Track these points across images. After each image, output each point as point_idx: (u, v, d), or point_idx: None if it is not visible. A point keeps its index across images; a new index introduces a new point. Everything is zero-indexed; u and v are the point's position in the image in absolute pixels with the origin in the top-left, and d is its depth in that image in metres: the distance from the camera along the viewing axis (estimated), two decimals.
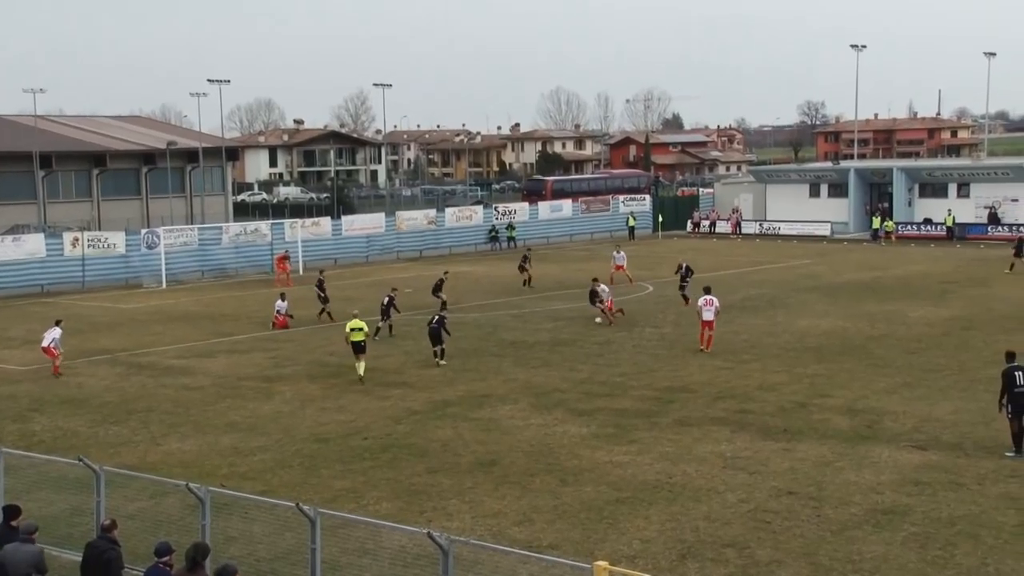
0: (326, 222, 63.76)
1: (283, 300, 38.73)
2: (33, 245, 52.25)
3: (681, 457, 21.20)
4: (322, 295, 40.28)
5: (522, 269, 48.72)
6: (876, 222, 70.27)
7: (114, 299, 47.81)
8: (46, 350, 31.19)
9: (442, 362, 31.20)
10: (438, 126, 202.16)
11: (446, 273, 43.20)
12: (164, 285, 51.61)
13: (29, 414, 25.90)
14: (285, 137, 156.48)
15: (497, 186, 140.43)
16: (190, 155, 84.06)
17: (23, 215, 72.82)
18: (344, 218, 66.37)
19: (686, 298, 41.11)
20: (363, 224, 65.07)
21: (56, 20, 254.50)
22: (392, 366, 31.04)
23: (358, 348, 29.21)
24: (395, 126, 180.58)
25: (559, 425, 23.84)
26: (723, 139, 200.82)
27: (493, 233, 68.65)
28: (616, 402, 25.95)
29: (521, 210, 73.30)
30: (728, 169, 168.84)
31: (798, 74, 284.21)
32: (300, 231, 59.07)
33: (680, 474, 20.12)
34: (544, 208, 74.85)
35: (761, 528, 17.20)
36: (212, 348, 34.45)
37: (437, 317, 32.69)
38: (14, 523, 13.68)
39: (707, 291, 33.85)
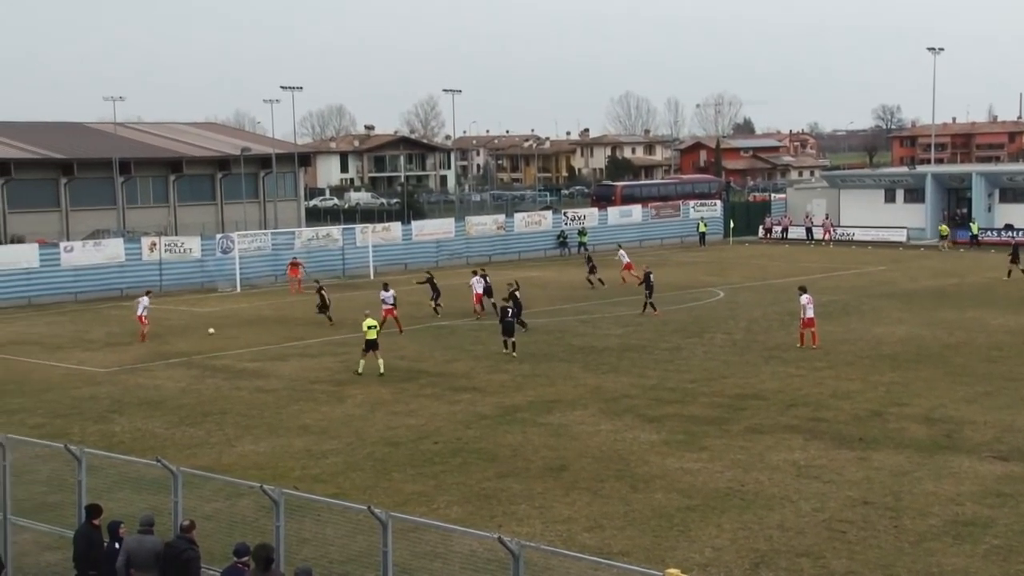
0: (396, 227, 64.25)
1: (387, 290, 38.73)
2: (113, 250, 53.35)
3: (753, 465, 20.97)
4: (321, 302, 40.56)
5: (592, 270, 49.56)
6: (944, 229, 68.94)
7: (190, 303, 48.63)
8: (140, 319, 37.37)
9: (513, 354, 32.09)
10: (507, 132, 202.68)
11: (509, 284, 41.81)
12: (238, 289, 52.35)
13: (109, 415, 26.42)
14: (356, 143, 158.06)
15: (566, 191, 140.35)
16: (263, 161, 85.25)
17: (103, 220, 74.45)
18: (414, 223, 66.86)
19: (653, 306, 40.79)
20: (433, 229, 65.45)
21: (135, 30, 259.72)
22: (461, 370, 31.14)
23: (371, 345, 30.62)
24: (464, 132, 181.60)
25: (629, 431, 23.73)
26: (795, 144, 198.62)
27: (562, 238, 68.60)
28: (686, 408, 25.76)
29: (590, 215, 73.18)
30: (800, 174, 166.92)
31: (873, 78, 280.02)
32: (371, 236, 59.56)
33: (752, 482, 19.90)
34: (614, 213, 74.64)
35: (836, 538, 16.95)
36: (284, 352, 34.86)
37: (513, 310, 33.60)
38: (96, 522, 13.95)
39: (803, 290, 34.48)
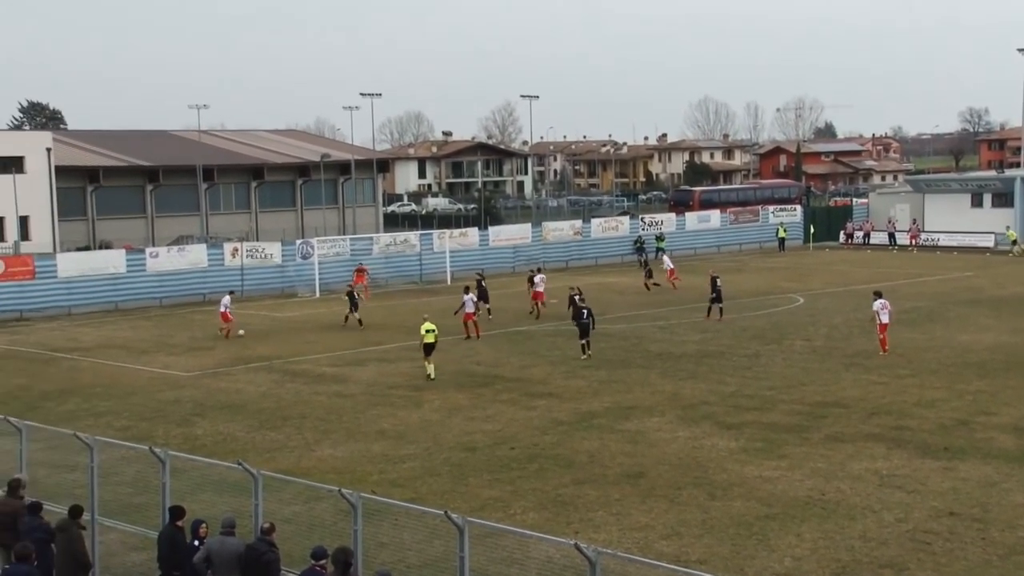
0: (473, 232, 64.48)
1: (468, 293, 39.15)
2: (196, 255, 54.33)
3: (834, 474, 20.64)
4: (353, 303, 41.95)
5: (649, 274, 51.45)
6: (1012, 235, 67.16)
7: (270, 307, 49.33)
8: (223, 315, 39.79)
9: (588, 352, 33.02)
10: (584, 137, 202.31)
11: (571, 289, 41.76)
12: (317, 294, 52.96)
13: (192, 418, 26.90)
14: (434, 149, 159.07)
15: (643, 197, 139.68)
16: (343, 167, 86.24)
17: (187, 226, 75.96)
18: (491, 228, 67.02)
19: (720, 312, 41.14)
20: (510, 235, 65.58)
21: (219, 40, 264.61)
22: (538, 376, 31.13)
23: (429, 349, 31.00)
24: (541, 137, 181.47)
25: (707, 438, 23.52)
26: (878, 148, 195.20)
27: (639, 244, 68.24)
28: (765, 416, 25.46)
29: (668, 221, 72.72)
30: (883, 179, 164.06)
31: (959, 80, 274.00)
32: (448, 241, 59.86)
33: (833, 491, 19.59)
34: (691, 219, 74.09)
35: (921, 549, 16.60)
36: (362, 357, 35.17)
37: (587, 310, 34.17)
38: (179, 523, 14.19)
39: (878, 295, 34.18)
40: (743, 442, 23.12)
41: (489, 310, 42.82)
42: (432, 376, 30.74)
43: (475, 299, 39.15)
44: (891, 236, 74.03)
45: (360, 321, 41.39)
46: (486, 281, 45.37)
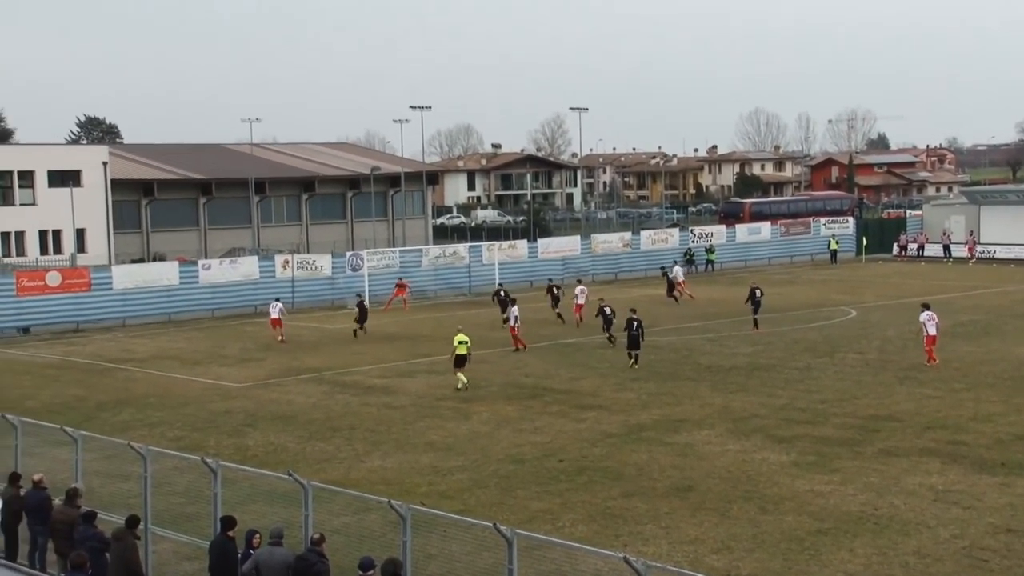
0: (522, 245, 64.51)
1: (513, 305, 39.55)
2: (247, 267, 54.83)
3: (887, 488, 20.38)
4: (359, 315, 43.27)
5: (669, 290, 51.35)
6: None
7: (320, 319, 49.66)
8: (275, 321, 42.35)
9: (635, 366, 33.40)
10: (634, 149, 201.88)
11: (602, 301, 41.93)
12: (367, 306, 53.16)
13: (244, 429, 27.13)
14: (483, 161, 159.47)
15: (693, 209, 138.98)
16: (392, 180, 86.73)
17: (239, 238, 76.78)
18: (540, 241, 67.00)
19: (755, 323, 41.76)
20: (559, 247, 65.52)
21: (270, 54, 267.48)
22: (588, 388, 31.07)
23: (460, 361, 31.49)
24: (591, 149, 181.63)
25: (757, 452, 23.33)
26: (932, 159, 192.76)
27: (689, 256, 67.90)
28: (817, 429, 25.21)
29: (718, 233, 72.33)
30: (938, 190, 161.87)
31: (1016, 90, 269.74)
32: (497, 254, 59.94)
33: (887, 506, 19.34)
34: (742, 231, 73.62)
35: (977, 567, 16.32)
36: (411, 368, 35.30)
37: (636, 322, 34.28)
38: (231, 533, 14.30)
39: (926, 307, 34.13)
40: (794, 456, 22.90)
41: (560, 315, 44.93)
42: (460, 387, 30.92)
43: (517, 314, 38.93)
44: (946, 248, 73.03)
45: (356, 333, 42.54)
46: (561, 291, 47.68)
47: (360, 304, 44.06)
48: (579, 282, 49.01)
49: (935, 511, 19.00)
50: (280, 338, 41.90)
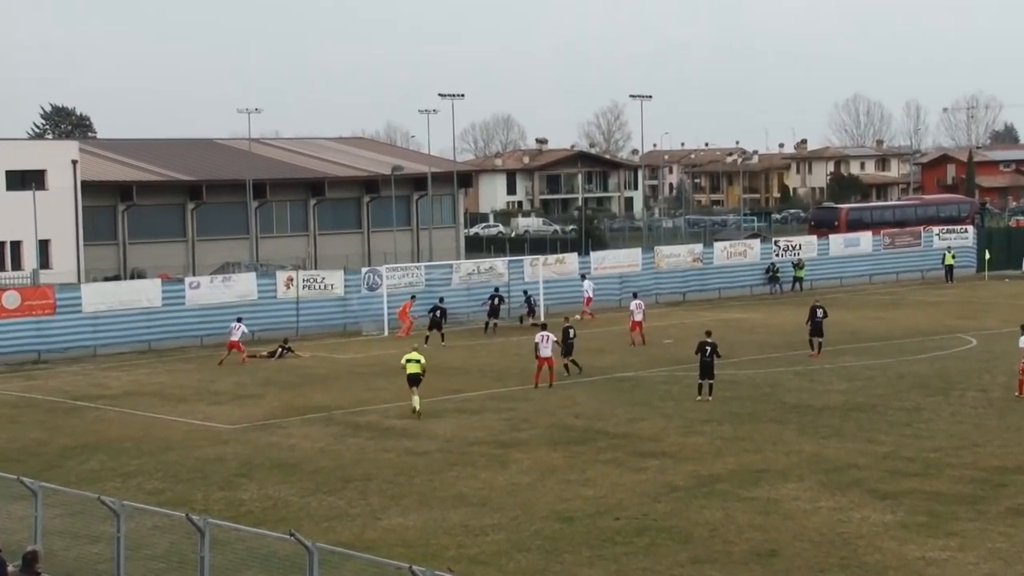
0: (572, 259, 64.43)
1: (544, 329, 39.66)
2: (244, 286, 55.09)
3: (1017, 557, 20.17)
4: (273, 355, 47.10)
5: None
6: None
7: (330, 348, 49.87)
8: (233, 344, 45.50)
9: (709, 398, 34.05)
10: (706, 144, 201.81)
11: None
12: (386, 332, 53.39)
13: (237, 480, 27.24)
14: (526, 159, 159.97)
15: (778, 216, 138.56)
16: (417, 182, 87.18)
17: (234, 251, 77.29)
18: (593, 254, 66.97)
19: (813, 346, 43.28)
20: (615, 261, 65.46)
21: (273, 34, 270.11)
22: (648, 431, 30.95)
23: (413, 380, 33.71)
24: (655, 145, 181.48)
25: (855, 510, 23.16)
26: None
27: (772, 272, 67.64)
28: (929, 483, 24.99)
29: (808, 245, 71.97)
30: None
31: None
32: (542, 269, 59.83)
33: None
34: (836, 242, 73.20)
35: None
36: (439, 407, 35.32)
37: (710, 347, 34.78)
38: None
39: None
40: (901, 515, 22.72)
41: (643, 337, 46.97)
42: (417, 409, 33.39)
43: (554, 339, 38.97)
44: None
45: (272, 354, 46.56)
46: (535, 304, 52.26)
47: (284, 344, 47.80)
48: (635, 296, 50.39)
49: None
50: (243, 359, 45.43)
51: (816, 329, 43.18)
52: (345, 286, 56.57)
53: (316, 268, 71.21)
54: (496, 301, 54.18)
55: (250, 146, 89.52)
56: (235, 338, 45.88)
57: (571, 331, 40.28)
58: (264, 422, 33.96)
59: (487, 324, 53.64)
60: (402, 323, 53.24)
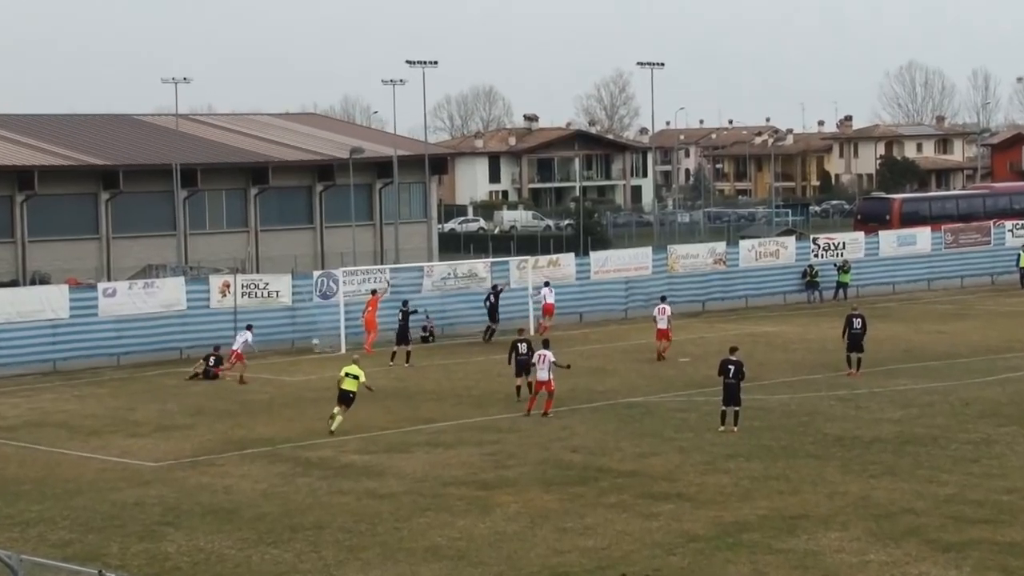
0: (568, 260, 64.31)
1: (546, 347, 39.30)
2: (170, 294, 54.82)
3: None
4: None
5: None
6: None
7: (275, 368, 49.72)
8: (236, 356, 46.50)
9: (734, 428, 34.20)
10: (730, 122, 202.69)
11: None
12: (343, 349, 53.22)
13: (161, 529, 27.14)
14: (512, 140, 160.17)
15: (817, 208, 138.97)
16: (381, 167, 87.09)
17: (158, 252, 76.94)
18: (593, 255, 66.89)
19: (850, 363, 43.91)
20: (620, 263, 65.31)
21: None
22: (661, 469, 30.92)
23: (344, 398, 35.89)
24: (668, 123, 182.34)
25: (912, 564, 23.21)
26: None
27: (811, 276, 67.62)
28: (1001, 532, 25.04)
29: (853, 243, 71.97)
30: None
31: None
32: (532, 273, 59.85)
33: None
34: (888, 240, 73.24)
35: None
36: (407, 439, 35.28)
37: (735, 367, 34.75)
38: None
39: None
40: (968, 571, 22.77)
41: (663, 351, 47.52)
42: (333, 430, 35.60)
43: (550, 357, 38.95)
44: None
45: (206, 373, 47.00)
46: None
47: (216, 357, 47.76)
48: (663, 300, 50.87)
49: None
50: (240, 378, 45.75)
51: (854, 343, 43.56)
52: (293, 293, 56.45)
53: (258, 271, 71.10)
54: (494, 298, 56.02)
55: (177, 123, 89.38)
56: (236, 346, 47.05)
57: (522, 345, 40.21)
58: (194, 459, 33.83)
59: (488, 330, 55.45)
60: (368, 333, 53.16)
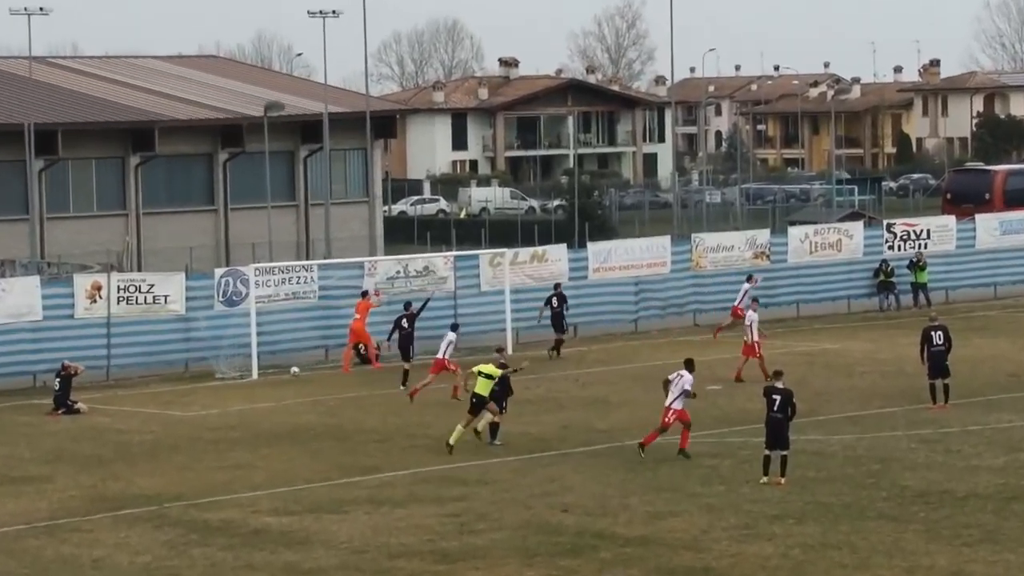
0: (559, 254, 64.29)
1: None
2: (20, 298, 54.63)
3: None
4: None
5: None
6: None
7: (163, 400, 49.69)
8: (439, 364, 46.80)
9: (781, 479, 34.33)
10: (776, 68, 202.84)
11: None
12: (255, 374, 53.24)
13: None
14: (483, 93, 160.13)
15: (893, 184, 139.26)
16: (307, 128, 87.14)
17: (5, 242, 76.68)
18: (591, 246, 66.87)
19: (935, 394, 44.01)
20: (628, 258, 65.30)
21: None
22: (683, 534, 30.93)
23: (477, 405, 38.06)
24: (692, 70, 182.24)
25: None
26: None
27: (885, 275, 67.63)
28: None
29: (941, 231, 72.00)
30: None
31: None
32: (508, 272, 59.80)
33: None
34: (987, 227, 73.30)
35: None
36: (342, 495, 35.26)
37: (782, 397, 34.90)
38: None
39: None
40: None
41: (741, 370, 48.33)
42: (480, 431, 38.39)
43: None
44: None
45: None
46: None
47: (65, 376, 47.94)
48: (755, 301, 52.82)
49: None
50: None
51: (936, 366, 43.26)
52: (187, 298, 56.34)
53: (140, 269, 70.96)
54: (557, 303, 57.50)
55: (31, 69, 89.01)
56: (441, 355, 47.49)
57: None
58: (52, 522, 33.69)
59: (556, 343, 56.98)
60: (349, 347, 53.43)
